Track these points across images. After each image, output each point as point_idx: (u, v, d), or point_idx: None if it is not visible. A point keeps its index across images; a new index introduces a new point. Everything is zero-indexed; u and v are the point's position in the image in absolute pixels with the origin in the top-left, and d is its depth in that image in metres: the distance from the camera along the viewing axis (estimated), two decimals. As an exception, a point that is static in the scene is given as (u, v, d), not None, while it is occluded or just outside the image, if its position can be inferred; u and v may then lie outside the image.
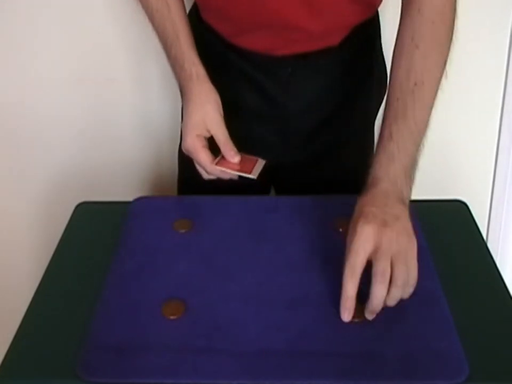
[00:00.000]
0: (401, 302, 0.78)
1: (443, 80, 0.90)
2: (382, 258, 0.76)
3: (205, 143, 0.97)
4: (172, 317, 0.79)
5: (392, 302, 0.77)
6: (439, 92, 0.90)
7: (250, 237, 0.93)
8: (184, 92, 1.01)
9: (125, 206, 1.00)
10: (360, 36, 1.05)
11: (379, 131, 0.89)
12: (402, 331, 0.76)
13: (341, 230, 0.91)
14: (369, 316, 0.77)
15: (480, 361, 0.73)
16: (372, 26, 1.10)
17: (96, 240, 0.96)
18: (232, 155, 0.97)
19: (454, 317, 0.78)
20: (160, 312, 0.80)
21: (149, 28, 1.32)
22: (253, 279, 0.85)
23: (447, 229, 0.96)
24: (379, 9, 1.10)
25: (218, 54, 1.08)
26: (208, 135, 0.98)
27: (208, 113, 0.98)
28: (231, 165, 0.97)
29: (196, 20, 1.10)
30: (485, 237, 1.32)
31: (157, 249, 0.91)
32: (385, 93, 1.01)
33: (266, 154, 1.09)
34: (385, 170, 0.84)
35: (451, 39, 0.90)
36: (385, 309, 0.77)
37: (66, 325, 0.80)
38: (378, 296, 0.75)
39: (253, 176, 0.96)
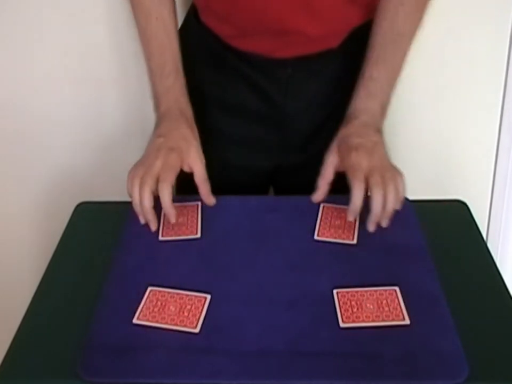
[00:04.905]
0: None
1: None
2: (374, 175, 0.88)
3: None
4: (172, 317, 0.79)
5: (389, 208, 0.88)
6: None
7: (250, 237, 0.93)
8: (164, 112, 1.01)
9: (125, 206, 1.00)
10: (358, 37, 1.05)
11: (361, 71, 1.00)
12: (402, 331, 0.76)
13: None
14: (371, 225, 0.89)
15: (480, 361, 0.73)
16: (370, 28, 1.10)
17: (96, 240, 0.96)
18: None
19: (454, 317, 0.78)
20: (160, 312, 0.80)
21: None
22: (253, 279, 0.85)
23: (447, 229, 0.96)
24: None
25: (217, 56, 1.08)
26: (184, 168, 0.96)
27: (192, 147, 0.97)
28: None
29: (194, 22, 1.10)
30: (485, 237, 1.32)
31: (157, 249, 0.91)
32: None
33: (266, 155, 1.09)
34: (365, 104, 0.98)
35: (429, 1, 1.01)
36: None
37: (66, 325, 0.80)
38: (379, 199, 0.87)
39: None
